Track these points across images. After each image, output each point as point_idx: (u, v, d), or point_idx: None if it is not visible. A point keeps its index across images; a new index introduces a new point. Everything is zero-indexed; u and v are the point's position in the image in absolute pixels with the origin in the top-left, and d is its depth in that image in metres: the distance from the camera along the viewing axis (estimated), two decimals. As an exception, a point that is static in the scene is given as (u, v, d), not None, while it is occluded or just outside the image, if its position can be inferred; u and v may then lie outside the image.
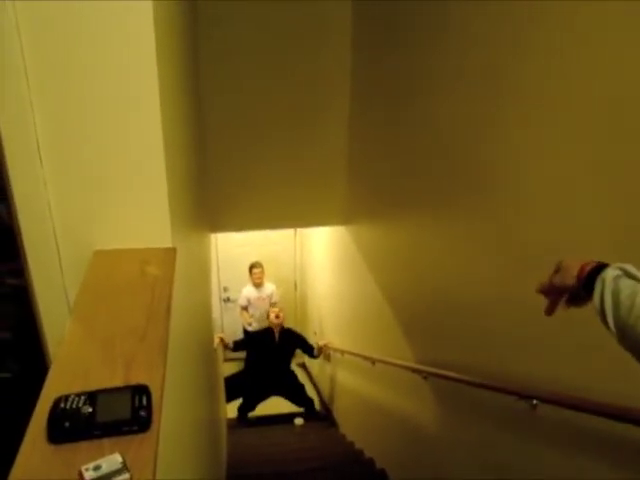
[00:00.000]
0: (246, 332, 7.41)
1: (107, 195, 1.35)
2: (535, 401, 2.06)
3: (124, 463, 0.82)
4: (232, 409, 6.68)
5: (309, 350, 6.26)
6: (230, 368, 7.63)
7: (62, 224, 1.34)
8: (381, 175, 3.84)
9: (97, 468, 0.80)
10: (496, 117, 2.20)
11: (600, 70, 1.61)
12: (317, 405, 7.01)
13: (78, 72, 1.23)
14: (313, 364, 7.78)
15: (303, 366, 8.15)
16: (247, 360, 6.54)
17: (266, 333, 6.18)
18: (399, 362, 3.54)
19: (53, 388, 0.96)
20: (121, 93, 1.27)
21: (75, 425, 0.87)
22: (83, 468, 0.81)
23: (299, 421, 6.39)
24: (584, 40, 1.66)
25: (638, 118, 1.48)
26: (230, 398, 6.79)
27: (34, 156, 1.27)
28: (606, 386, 1.71)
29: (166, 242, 1.39)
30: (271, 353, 6.13)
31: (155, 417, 0.91)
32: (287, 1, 4.04)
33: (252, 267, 7.22)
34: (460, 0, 2.39)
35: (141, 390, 0.94)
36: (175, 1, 2.01)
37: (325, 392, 7.05)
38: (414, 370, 3.24)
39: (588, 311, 1.68)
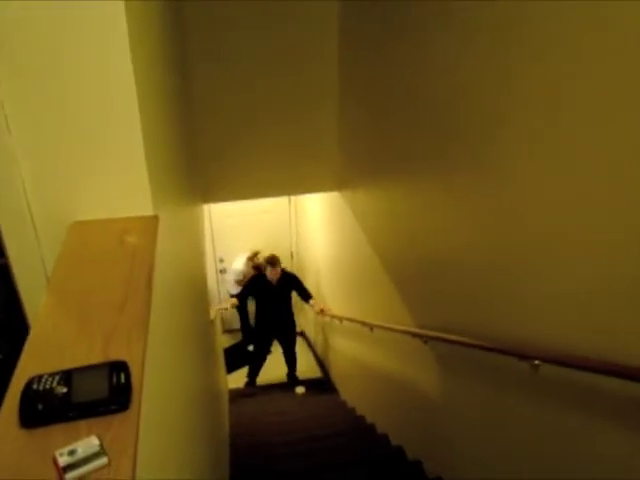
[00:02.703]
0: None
1: (82, 164, 1.27)
2: (537, 361, 2.02)
3: (101, 446, 0.76)
4: (233, 380, 6.70)
5: (304, 294, 6.25)
6: (229, 340, 7.67)
7: (36, 196, 1.27)
8: (374, 138, 3.75)
9: (72, 452, 0.75)
10: (498, 76, 2.12)
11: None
12: (316, 373, 7.04)
13: (45, 38, 1.15)
14: (311, 331, 7.78)
15: (302, 334, 8.15)
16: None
17: (263, 277, 6.17)
18: (398, 327, 3.50)
19: (27, 368, 0.90)
20: (93, 57, 1.19)
21: (49, 407, 0.81)
22: (57, 453, 0.75)
23: (300, 389, 6.40)
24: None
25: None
26: (231, 369, 6.83)
27: (1, 125, 1.19)
28: (607, 344, 1.67)
29: (147, 210, 1.32)
30: (270, 297, 6.19)
31: (135, 395, 0.84)
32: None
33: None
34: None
35: (119, 367, 0.87)
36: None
37: (324, 359, 7.05)
38: (414, 334, 3.20)
39: (585, 269, 1.65)
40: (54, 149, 1.25)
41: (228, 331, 7.84)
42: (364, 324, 4.32)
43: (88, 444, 0.76)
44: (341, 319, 5.29)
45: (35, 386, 0.84)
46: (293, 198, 7.79)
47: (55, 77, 1.19)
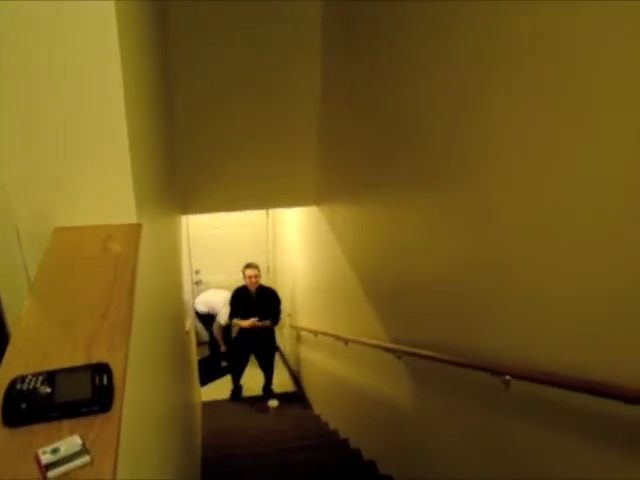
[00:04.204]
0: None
1: (67, 170, 1.29)
2: (507, 377, 2.06)
3: (84, 445, 0.78)
4: (205, 393, 6.67)
5: (276, 316, 6.36)
6: (201, 352, 7.61)
7: (20, 201, 1.28)
8: (352, 154, 3.80)
9: (55, 451, 0.77)
10: (471, 96, 2.17)
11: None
12: (290, 387, 7.02)
13: (36, 41, 1.17)
14: (285, 345, 7.78)
15: (277, 348, 8.13)
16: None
17: (244, 290, 6.27)
18: (372, 342, 3.52)
19: (10, 369, 0.91)
20: (82, 63, 1.21)
21: (32, 406, 0.83)
22: (40, 451, 0.77)
23: (273, 403, 6.39)
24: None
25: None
26: (204, 381, 6.80)
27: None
28: (577, 361, 1.71)
29: (130, 218, 1.34)
30: (249, 309, 6.23)
31: (117, 397, 0.86)
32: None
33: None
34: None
35: (102, 369, 0.90)
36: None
37: (298, 373, 7.05)
38: (387, 349, 3.23)
39: (557, 286, 1.70)
40: (39, 155, 1.27)
41: (200, 344, 7.79)
42: (339, 338, 4.33)
43: (70, 443, 0.78)
44: (316, 333, 5.31)
45: (19, 386, 0.86)
46: (271, 211, 7.80)
47: (42, 82, 1.21)
